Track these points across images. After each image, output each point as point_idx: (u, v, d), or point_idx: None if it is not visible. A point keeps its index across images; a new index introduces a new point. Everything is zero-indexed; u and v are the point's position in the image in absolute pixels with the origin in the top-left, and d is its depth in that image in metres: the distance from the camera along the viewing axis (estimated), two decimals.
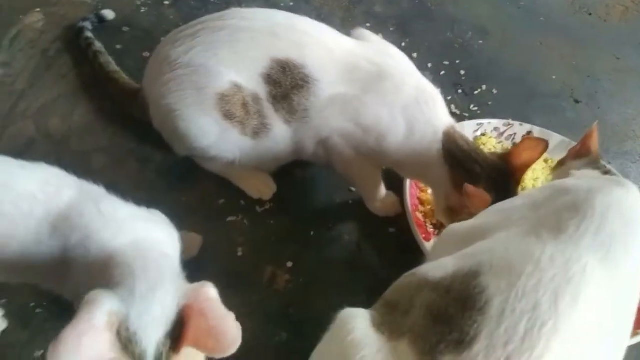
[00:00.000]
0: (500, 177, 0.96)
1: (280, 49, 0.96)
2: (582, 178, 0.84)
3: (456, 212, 0.96)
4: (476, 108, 1.38)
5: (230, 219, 1.08)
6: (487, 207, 0.86)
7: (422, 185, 1.15)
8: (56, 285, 0.79)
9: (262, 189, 1.10)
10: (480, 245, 0.71)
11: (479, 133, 1.24)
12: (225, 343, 0.60)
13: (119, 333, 0.58)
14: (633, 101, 1.50)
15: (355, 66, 0.98)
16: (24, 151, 1.10)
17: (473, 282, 0.64)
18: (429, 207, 1.11)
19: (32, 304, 0.91)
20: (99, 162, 1.11)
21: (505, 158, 0.96)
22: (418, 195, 1.13)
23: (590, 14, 1.76)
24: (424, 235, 1.03)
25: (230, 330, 0.61)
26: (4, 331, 0.88)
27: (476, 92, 1.42)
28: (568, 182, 0.82)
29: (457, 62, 1.49)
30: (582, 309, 0.60)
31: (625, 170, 1.21)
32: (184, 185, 1.10)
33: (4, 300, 0.91)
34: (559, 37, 1.63)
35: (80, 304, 0.59)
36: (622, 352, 0.64)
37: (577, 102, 1.47)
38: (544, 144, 0.95)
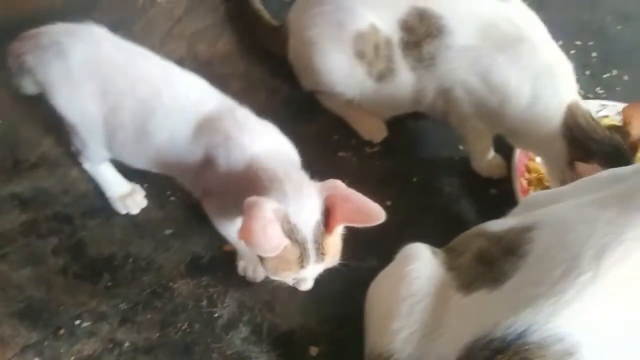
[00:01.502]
0: (617, 151, 0.95)
1: None
2: None
3: None
4: (602, 91, 1.34)
5: (340, 154, 1.17)
6: None
7: (531, 154, 1.16)
8: (190, 181, 0.92)
9: (374, 131, 1.18)
10: (547, 208, 0.73)
11: (601, 114, 1.22)
12: (374, 213, 0.73)
13: (282, 226, 0.71)
14: None
15: (494, 24, 1.01)
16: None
17: (525, 235, 0.67)
18: (534, 175, 1.12)
19: (167, 192, 1.07)
20: (235, 86, 1.24)
21: (622, 130, 0.96)
22: (526, 162, 1.14)
23: None
24: None
25: (374, 205, 0.74)
26: (144, 209, 1.04)
27: (605, 76, 1.37)
28: None
29: (590, 43, 1.44)
30: (627, 272, 0.60)
31: None
32: (304, 117, 1.20)
33: (145, 185, 1.07)
34: None
35: (245, 206, 0.71)
36: None
37: None
38: None
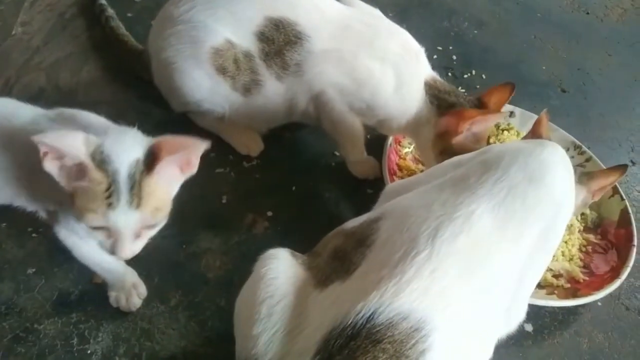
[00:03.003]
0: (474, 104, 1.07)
1: (275, 8, 1.05)
2: None
3: (447, 143, 1.04)
4: (464, 90, 1.43)
5: (218, 170, 1.16)
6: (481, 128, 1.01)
7: (401, 152, 1.22)
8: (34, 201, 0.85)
9: (250, 145, 1.18)
10: (396, 198, 0.77)
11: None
12: (196, 142, 0.72)
13: (94, 156, 0.67)
14: (620, 95, 1.55)
15: (346, 25, 1.07)
16: (35, 99, 1.19)
17: (373, 225, 0.71)
18: (406, 172, 1.18)
19: (29, 229, 0.99)
20: (102, 113, 1.17)
21: (480, 99, 1.07)
22: (397, 161, 1.19)
23: (587, 13, 1.81)
24: None
25: (199, 141, 0.73)
26: (1, 250, 0.96)
27: (465, 76, 1.49)
28: (493, 145, 0.88)
29: (450, 48, 1.56)
30: (460, 247, 0.65)
31: (603, 156, 1.25)
32: None
33: (4, 224, 0.99)
34: (554, 33, 1.69)
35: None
36: (494, 296, 0.68)
37: (564, 91, 1.52)
38: (511, 87, 1.08)
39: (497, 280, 0.68)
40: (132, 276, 0.93)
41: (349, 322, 0.61)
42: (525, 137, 0.99)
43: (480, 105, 1.07)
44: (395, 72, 1.06)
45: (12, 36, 1.31)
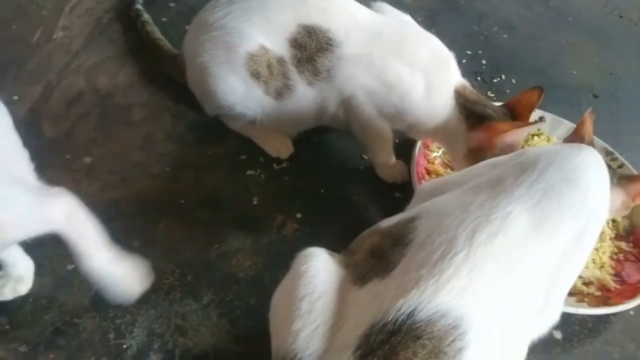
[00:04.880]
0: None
1: (307, 16, 1.07)
2: None
3: (480, 155, 1.03)
4: (493, 95, 1.44)
5: (249, 172, 1.18)
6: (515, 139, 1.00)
7: (430, 157, 1.22)
8: None
9: (280, 148, 1.20)
10: (434, 199, 0.78)
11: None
12: None
13: None
14: None
15: (377, 32, 1.08)
16: (74, 101, 1.24)
17: (409, 225, 0.72)
18: (434, 176, 1.18)
19: None
20: (139, 115, 1.24)
21: (509, 105, 1.08)
22: (426, 166, 1.20)
23: (621, 17, 1.79)
24: None
25: None
26: (41, 246, 1.00)
27: (495, 81, 1.48)
28: (529, 148, 0.88)
29: (480, 52, 1.55)
30: (497, 248, 0.66)
31: (636, 162, 1.23)
32: (210, 140, 1.21)
33: None
34: (586, 36, 1.67)
35: None
36: (529, 296, 0.69)
37: (595, 96, 1.50)
38: (539, 90, 1.06)
39: (532, 280, 0.69)
40: (21, 270, 0.93)
41: (390, 319, 0.62)
42: (567, 138, 0.97)
43: (510, 112, 1.07)
44: (424, 77, 1.07)
45: (53, 40, 1.36)
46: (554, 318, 0.76)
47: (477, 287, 0.64)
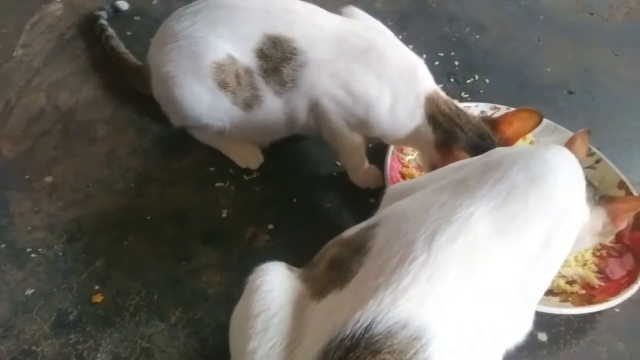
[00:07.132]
0: (481, 140, 1.01)
1: (273, 26, 1.04)
2: None
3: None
4: (467, 95, 1.42)
5: (218, 184, 1.14)
6: None
7: (404, 160, 1.19)
8: None
9: (250, 158, 1.16)
10: (395, 203, 0.74)
11: None
12: None
13: None
14: (628, 95, 1.50)
15: (343, 39, 1.05)
16: (34, 119, 1.20)
17: (369, 232, 0.68)
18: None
19: (28, 249, 0.99)
20: (102, 131, 1.20)
21: (494, 124, 1.02)
22: (400, 169, 1.17)
23: (592, 14, 1.78)
24: None
25: None
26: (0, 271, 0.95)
27: (468, 81, 1.46)
28: (497, 148, 0.85)
29: (452, 53, 1.53)
30: (458, 251, 0.62)
31: (613, 157, 1.22)
32: (177, 153, 1.18)
33: (3, 246, 0.99)
34: (558, 34, 1.66)
35: None
36: (495, 302, 0.64)
37: (570, 93, 1.49)
38: (538, 117, 0.99)
39: (498, 285, 0.65)
40: None
41: (348, 333, 0.58)
42: None
43: (492, 128, 1.01)
44: (390, 89, 1.03)
45: (13, 58, 1.32)
46: (527, 326, 0.71)
47: (439, 293, 0.60)
